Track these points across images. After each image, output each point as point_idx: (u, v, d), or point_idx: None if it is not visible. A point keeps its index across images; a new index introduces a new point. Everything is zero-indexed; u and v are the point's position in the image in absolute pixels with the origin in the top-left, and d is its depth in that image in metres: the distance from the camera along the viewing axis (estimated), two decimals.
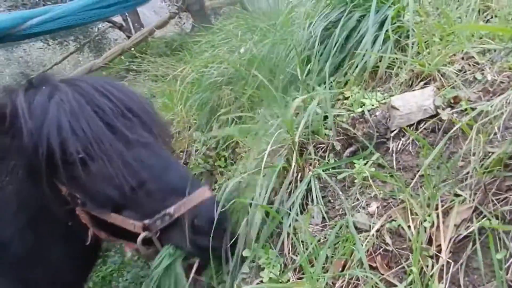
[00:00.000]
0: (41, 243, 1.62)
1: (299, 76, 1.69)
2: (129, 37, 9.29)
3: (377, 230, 1.25)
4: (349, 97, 1.71)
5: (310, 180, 1.47)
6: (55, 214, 1.53)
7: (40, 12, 2.23)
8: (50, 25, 2.05)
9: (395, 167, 1.41)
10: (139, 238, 1.42)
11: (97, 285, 2.38)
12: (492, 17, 1.73)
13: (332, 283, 1.23)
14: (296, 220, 1.41)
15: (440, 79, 1.50)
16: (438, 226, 1.11)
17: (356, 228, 1.30)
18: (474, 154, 1.19)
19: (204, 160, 2.15)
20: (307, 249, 1.31)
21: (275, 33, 2.09)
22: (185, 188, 1.39)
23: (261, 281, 1.39)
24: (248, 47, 1.94)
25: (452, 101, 1.38)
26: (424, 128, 1.41)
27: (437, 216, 1.13)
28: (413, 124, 1.43)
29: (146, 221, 1.40)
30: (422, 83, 1.56)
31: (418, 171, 1.37)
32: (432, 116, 1.39)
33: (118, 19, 9.81)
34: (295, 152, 1.52)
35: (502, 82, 1.35)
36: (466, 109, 1.31)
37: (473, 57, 1.51)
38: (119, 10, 2.11)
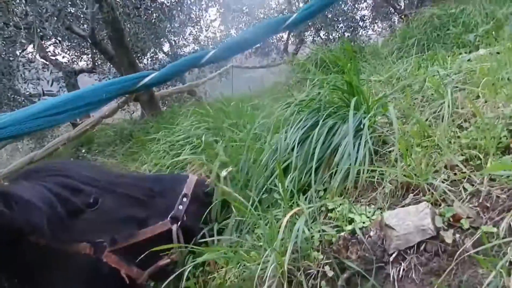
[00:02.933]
0: None
1: (280, 190, 1.54)
2: (74, 124, 8.88)
3: None
4: (333, 209, 1.58)
5: None
6: None
7: None
8: None
9: None
10: (174, 229, 1.57)
11: None
12: (462, 122, 1.74)
13: None
14: None
15: (429, 190, 1.43)
16: None
17: None
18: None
19: None
20: None
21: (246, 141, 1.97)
22: (180, 180, 1.73)
23: None
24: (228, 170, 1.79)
25: (451, 220, 1.28)
26: (425, 251, 1.28)
27: None
28: (413, 246, 1.30)
29: (171, 213, 1.61)
30: (411, 195, 1.47)
31: None
32: (432, 237, 1.28)
33: None
34: (285, 284, 1.31)
35: (498, 197, 1.28)
36: (469, 229, 1.22)
37: (457, 165, 1.47)
38: (70, 117, 1.90)
